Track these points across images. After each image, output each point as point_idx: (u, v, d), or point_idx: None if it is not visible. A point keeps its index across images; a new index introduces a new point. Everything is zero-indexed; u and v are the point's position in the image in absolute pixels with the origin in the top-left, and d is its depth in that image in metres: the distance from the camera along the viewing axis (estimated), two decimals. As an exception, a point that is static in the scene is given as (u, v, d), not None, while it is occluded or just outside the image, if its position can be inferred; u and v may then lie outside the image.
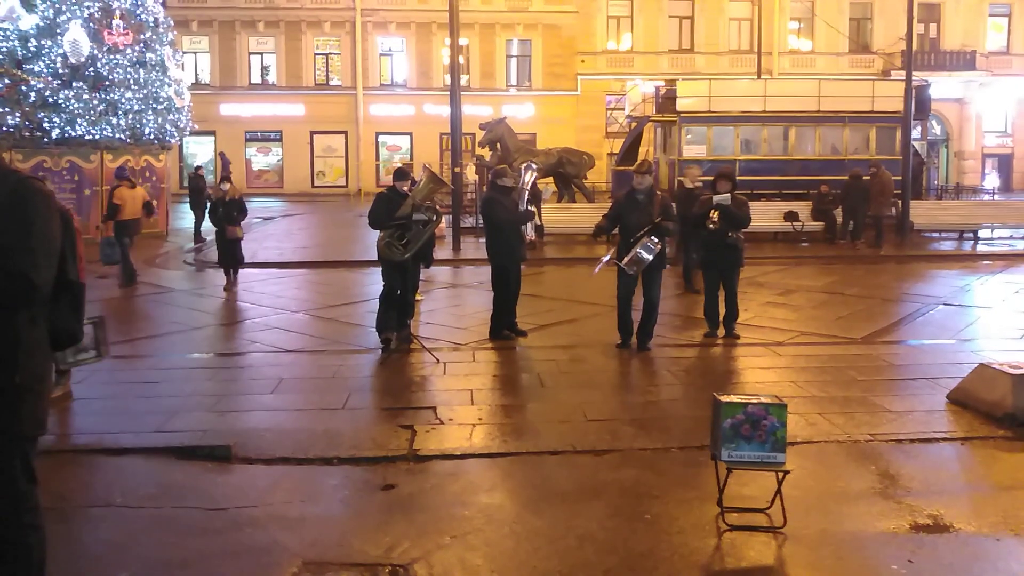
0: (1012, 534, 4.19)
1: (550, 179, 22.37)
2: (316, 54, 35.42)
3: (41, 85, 16.12)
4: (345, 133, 35.31)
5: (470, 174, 23.98)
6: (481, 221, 11.31)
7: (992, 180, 34.04)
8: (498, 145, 21.66)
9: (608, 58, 35.77)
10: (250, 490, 4.74)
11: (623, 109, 27.55)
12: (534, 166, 8.91)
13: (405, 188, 8.09)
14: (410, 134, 35.45)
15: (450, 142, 17.03)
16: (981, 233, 18.15)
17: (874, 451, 5.32)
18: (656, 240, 7.65)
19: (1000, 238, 18.37)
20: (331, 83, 35.57)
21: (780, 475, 4.20)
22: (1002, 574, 3.86)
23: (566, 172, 22.03)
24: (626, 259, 7.70)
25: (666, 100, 21.49)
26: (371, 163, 34.88)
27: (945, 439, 5.59)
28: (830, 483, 4.85)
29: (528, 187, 8.46)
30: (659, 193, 8.17)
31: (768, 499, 4.31)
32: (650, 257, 7.65)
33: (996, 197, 28.38)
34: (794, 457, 4.73)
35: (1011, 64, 36.48)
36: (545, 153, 22.31)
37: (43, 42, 16.16)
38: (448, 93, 17.12)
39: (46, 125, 16.27)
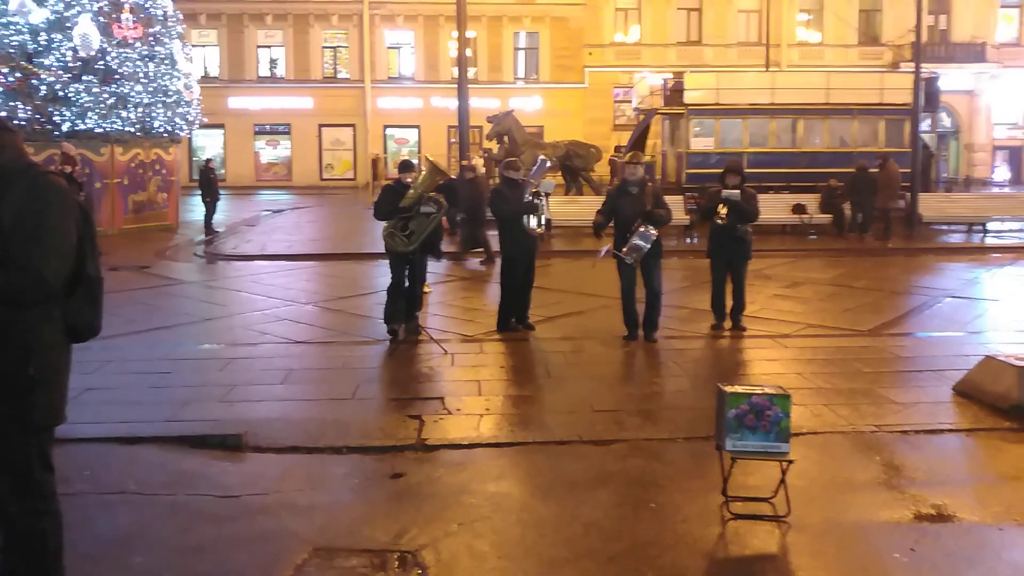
0: (1015, 524, 4.23)
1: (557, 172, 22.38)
2: (324, 47, 35.46)
3: (51, 79, 16.22)
4: (353, 126, 35.38)
5: (478, 167, 23.97)
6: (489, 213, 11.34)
7: (1002, 173, 33.86)
8: (505, 138, 21.70)
9: (616, 50, 35.66)
10: (261, 478, 4.81)
11: (631, 102, 27.54)
12: (548, 163, 8.94)
13: (409, 180, 8.15)
14: (418, 127, 35.47)
15: (458, 135, 17.05)
16: (990, 226, 18.07)
17: (879, 442, 5.35)
18: (652, 229, 7.69)
19: (1009, 231, 18.28)
20: (339, 76, 35.61)
21: (784, 465, 4.24)
22: (1004, 563, 3.89)
23: (574, 165, 22.05)
24: (624, 249, 7.75)
25: (674, 93, 21.45)
26: (380, 156, 34.88)
27: (950, 430, 5.62)
28: (835, 473, 4.89)
29: (538, 180, 8.49)
30: (650, 183, 8.25)
31: (772, 489, 4.35)
32: (647, 245, 7.70)
33: (1006, 190, 28.23)
34: (799, 447, 4.78)
35: (1022, 56, 36.15)
36: (553, 146, 22.33)
37: (53, 36, 16.25)
38: (456, 86, 17.13)
39: (56, 118, 16.38)
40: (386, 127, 35.62)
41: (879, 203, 16.84)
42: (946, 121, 35.72)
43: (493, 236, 12.56)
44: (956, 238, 17.69)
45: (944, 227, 18.64)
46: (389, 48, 35.68)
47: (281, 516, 4.28)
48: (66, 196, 2.96)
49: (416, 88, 35.22)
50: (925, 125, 21.93)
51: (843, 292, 11.18)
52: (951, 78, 30.39)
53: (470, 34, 26.44)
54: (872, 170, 17.04)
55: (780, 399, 4.20)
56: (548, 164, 8.94)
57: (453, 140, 29.32)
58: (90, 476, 4.71)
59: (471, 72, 26.91)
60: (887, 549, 3.95)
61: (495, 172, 22.44)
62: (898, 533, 4.12)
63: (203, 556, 3.87)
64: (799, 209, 17.74)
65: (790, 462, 4.24)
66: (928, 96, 20.20)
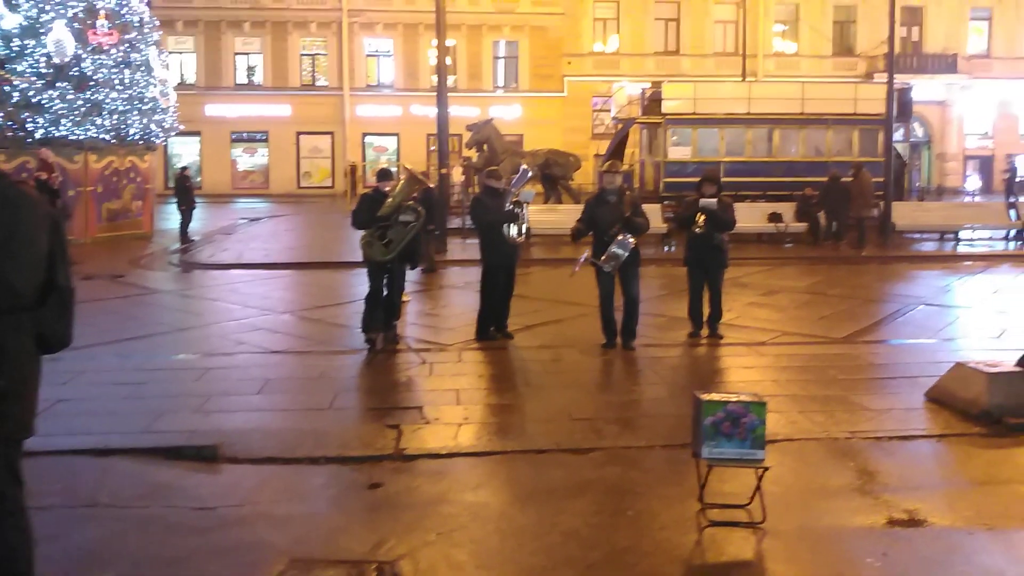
0: (985, 528, 4.29)
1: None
2: (302, 54, 35.37)
3: (25, 85, 16.02)
4: (331, 134, 35.29)
5: (456, 175, 24.02)
6: (469, 222, 11.35)
7: (973, 182, 34.48)
8: (485, 146, 21.74)
9: (594, 60, 35.93)
10: (237, 489, 4.77)
11: (609, 111, 27.69)
12: (530, 173, 9.00)
13: (388, 188, 8.14)
14: (397, 135, 35.46)
15: (437, 143, 17.07)
16: (962, 234, 18.38)
17: (853, 448, 5.41)
18: (630, 237, 7.75)
19: (980, 239, 18.60)
20: (317, 84, 35.53)
21: (760, 472, 4.28)
22: (974, 567, 3.95)
23: (553, 173, 22.14)
24: (602, 257, 7.80)
25: (652, 102, 21.64)
26: (357, 164, 34.83)
27: (922, 436, 5.70)
28: (809, 479, 4.94)
29: (519, 190, 8.52)
30: (628, 192, 8.32)
31: (748, 495, 4.39)
32: (625, 253, 7.75)
33: (977, 199, 28.74)
34: (774, 454, 4.81)
35: (992, 67, 36.94)
36: (532, 154, 22.41)
37: (27, 42, 16.06)
38: (435, 94, 17.15)
39: (29, 125, 16.17)
40: (365, 135, 35.57)
41: (853, 212, 17.07)
42: (919, 131, 36.35)
43: (472, 244, 12.57)
44: (929, 246, 17.97)
45: (917, 235, 18.92)
46: (368, 56, 35.65)
47: (257, 527, 4.24)
48: (36, 206, 2.93)
49: (395, 96, 35.21)
50: (898, 135, 22.30)
51: (818, 300, 11.31)
52: (923, 89, 30.93)
53: (450, 42, 26.49)
54: (845, 179, 17.27)
55: (756, 406, 4.24)
56: (530, 174, 8.98)
57: (432, 148, 29.30)
58: (61, 489, 4.64)
59: (450, 80, 27.01)
60: (860, 554, 4.00)
61: (474, 180, 22.51)
62: (871, 538, 4.17)
63: (178, 569, 3.82)
64: (775, 218, 17.93)
65: (765, 469, 4.28)
66: (901, 106, 20.55)
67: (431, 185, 13.67)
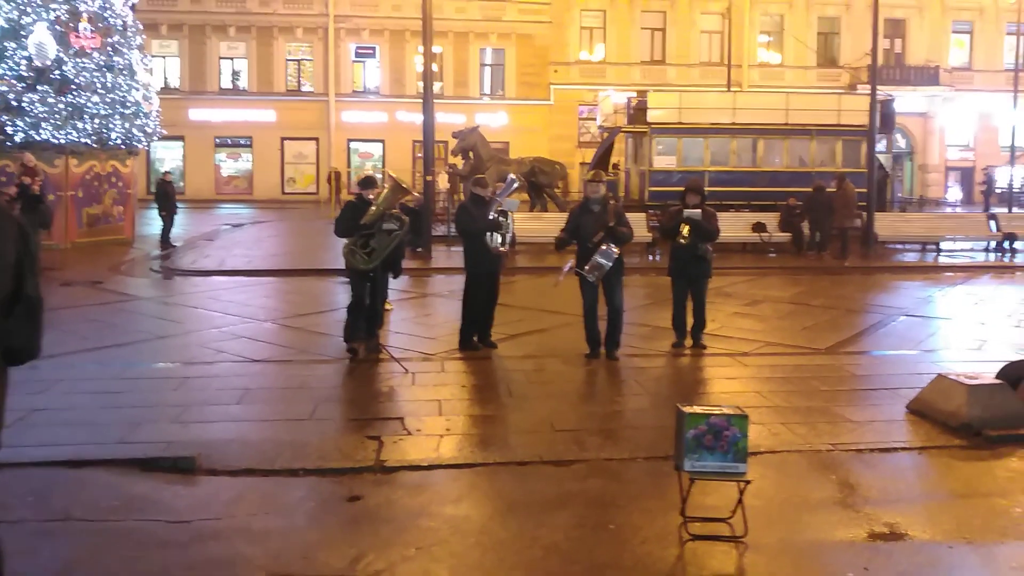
0: (965, 541, 4.30)
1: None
2: (288, 60, 35.27)
3: (5, 88, 15.85)
4: (316, 140, 35.17)
5: (442, 182, 23.99)
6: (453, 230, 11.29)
7: (955, 193, 34.86)
8: (471, 154, 21.73)
9: (581, 68, 36.07)
10: (214, 502, 4.70)
11: (595, 119, 27.79)
12: (516, 183, 8.96)
13: (372, 196, 8.09)
14: (382, 141, 35.39)
15: (422, 150, 17.03)
16: (943, 245, 18.55)
17: (835, 461, 5.42)
18: (614, 246, 7.74)
19: (961, 250, 18.79)
20: (303, 89, 35.42)
21: (742, 485, 4.26)
22: (955, 581, 3.96)
23: (538, 181, 22.17)
24: (586, 267, 7.79)
25: (637, 111, 21.73)
26: (342, 170, 34.73)
27: (903, 448, 5.71)
28: (791, 492, 4.94)
29: (503, 198, 8.49)
30: (612, 201, 8.31)
31: (730, 508, 4.37)
32: (609, 263, 7.74)
33: (958, 210, 29.05)
34: (756, 467, 4.81)
35: (973, 79, 37.40)
36: (518, 162, 22.43)
37: (7, 44, 15.91)
38: (421, 101, 17.12)
39: (9, 129, 16.00)
40: (350, 141, 35.47)
41: (836, 222, 17.19)
42: (901, 142, 36.73)
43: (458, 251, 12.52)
44: (910, 257, 18.12)
45: (899, 246, 19.08)
46: (354, 62, 35.59)
47: (234, 542, 4.18)
48: (3, 214, 2.87)
49: (381, 102, 35.16)
50: (881, 146, 22.52)
51: (801, 310, 11.36)
52: (906, 100, 31.24)
53: (436, 49, 26.47)
54: (829, 190, 17.40)
55: (738, 419, 4.23)
56: (516, 184, 8.95)
57: (418, 155, 29.29)
58: (33, 502, 4.55)
59: (437, 87, 27.00)
60: (841, 568, 3.99)
61: (460, 187, 22.49)
62: (852, 552, 4.16)
63: (151, 585, 3.76)
64: (759, 227, 18.02)
65: (747, 482, 4.27)
66: (884, 118, 20.75)
67: (416, 194, 13.62)
